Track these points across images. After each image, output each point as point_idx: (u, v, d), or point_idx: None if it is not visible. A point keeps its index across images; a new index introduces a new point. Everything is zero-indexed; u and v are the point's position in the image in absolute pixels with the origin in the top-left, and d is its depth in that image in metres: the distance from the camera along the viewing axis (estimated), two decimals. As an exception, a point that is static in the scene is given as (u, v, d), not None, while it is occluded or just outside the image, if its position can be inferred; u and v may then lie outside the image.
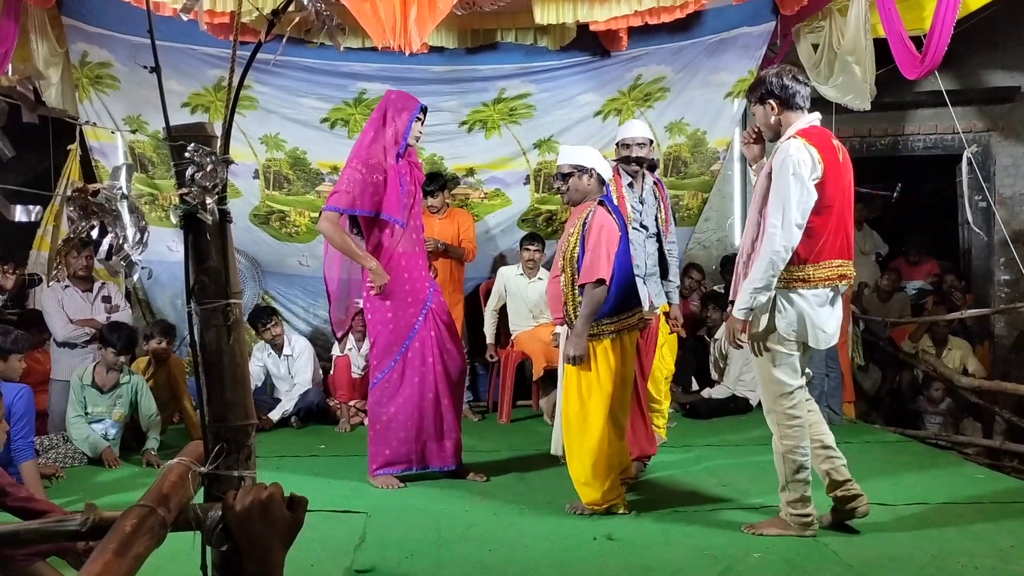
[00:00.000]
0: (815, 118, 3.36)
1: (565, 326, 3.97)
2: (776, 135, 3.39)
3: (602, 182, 3.91)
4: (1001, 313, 6.93)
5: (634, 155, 4.41)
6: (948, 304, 6.86)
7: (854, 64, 5.39)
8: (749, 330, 3.38)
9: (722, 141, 6.60)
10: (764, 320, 3.35)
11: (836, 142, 3.35)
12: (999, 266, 7.33)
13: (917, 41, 4.80)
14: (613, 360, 3.77)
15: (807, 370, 3.56)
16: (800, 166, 3.17)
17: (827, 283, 3.30)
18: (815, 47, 5.97)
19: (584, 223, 3.80)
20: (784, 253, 3.20)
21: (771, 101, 3.34)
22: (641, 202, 4.40)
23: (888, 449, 5.03)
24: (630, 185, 4.42)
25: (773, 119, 3.36)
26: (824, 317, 3.33)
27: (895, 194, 6.73)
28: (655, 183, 4.52)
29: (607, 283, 3.71)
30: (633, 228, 4.40)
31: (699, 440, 4.55)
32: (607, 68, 6.42)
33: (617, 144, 4.49)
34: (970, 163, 5.92)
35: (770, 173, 3.29)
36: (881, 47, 5.23)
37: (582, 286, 3.76)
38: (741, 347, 3.44)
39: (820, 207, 3.23)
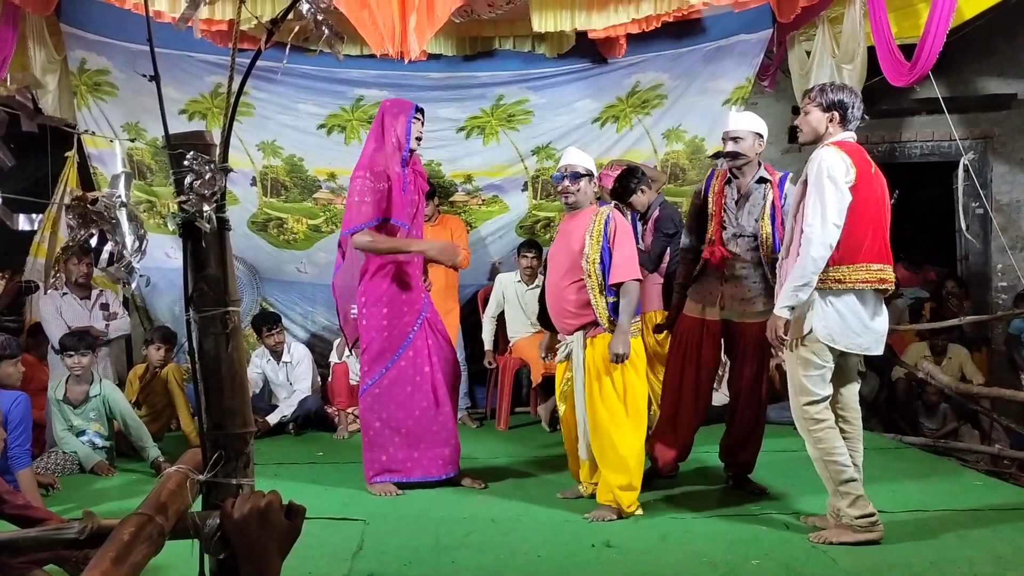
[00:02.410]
0: (851, 136, 3.49)
1: (577, 334, 3.94)
2: (814, 140, 3.53)
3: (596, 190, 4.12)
4: (999, 320, 6.93)
5: (725, 150, 4.16)
6: (946, 311, 6.86)
7: (848, 72, 5.40)
8: (791, 332, 3.43)
9: (720, 148, 6.61)
10: (801, 323, 3.40)
11: (868, 157, 3.49)
12: (996, 272, 7.34)
13: (914, 48, 4.81)
14: (642, 356, 3.93)
15: (856, 377, 3.60)
16: (834, 169, 3.31)
17: (864, 284, 3.36)
18: (808, 54, 6.00)
19: (604, 228, 3.89)
20: (823, 250, 3.29)
21: (836, 112, 3.45)
22: (740, 196, 4.15)
23: (886, 455, 5.03)
24: (728, 182, 4.21)
25: (827, 128, 3.48)
26: (863, 321, 3.39)
27: (892, 201, 6.74)
28: (765, 182, 4.14)
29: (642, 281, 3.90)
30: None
31: (697, 447, 4.54)
32: (605, 75, 6.43)
33: None
34: (967, 170, 5.93)
35: (806, 180, 3.41)
36: (873, 55, 5.24)
37: (614, 287, 3.84)
38: (783, 344, 3.45)
39: (854, 209, 3.34)
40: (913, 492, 4.20)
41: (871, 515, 3.41)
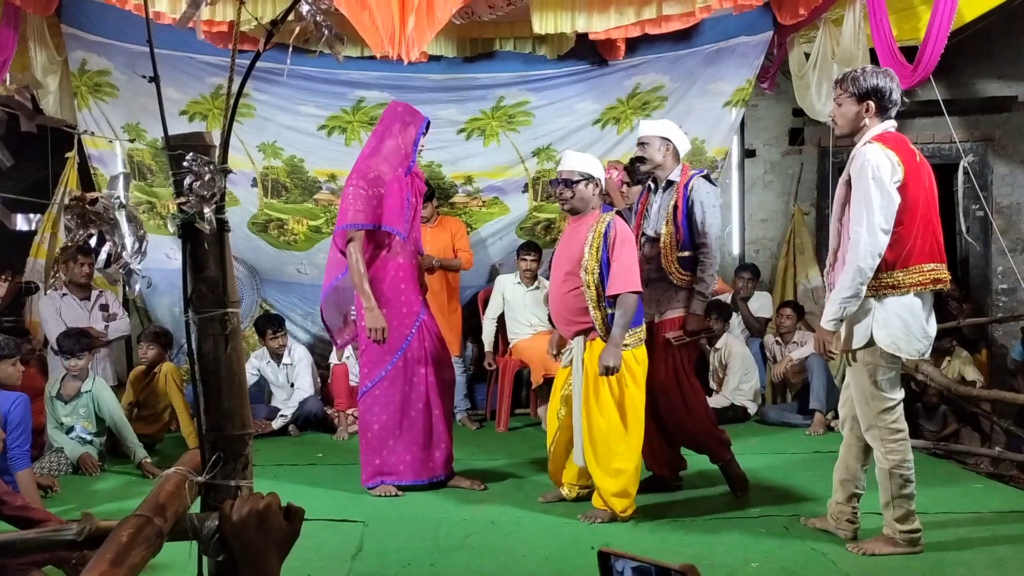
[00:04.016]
0: (892, 125, 3.30)
1: (577, 339, 3.91)
2: (852, 132, 3.34)
3: (602, 193, 3.95)
4: (999, 323, 6.93)
5: (635, 155, 4.27)
6: (945, 313, 6.85)
7: None
8: (848, 344, 3.28)
9: (720, 150, 6.61)
10: (862, 332, 3.25)
11: (913, 145, 3.30)
12: (996, 275, 7.34)
13: (914, 51, 4.81)
14: (644, 367, 3.87)
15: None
16: (879, 169, 3.12)
17: (919, 288, 3.21)
18: (807, 56, 6.00)
19: (605, 235, 3.79)
20: (872, 260, 3.13)
21: (871, 102, 3.25)
22: (654, 200, 4.25)
23: (886, 458, 5.02)
24: (650, 188, 4.31)
25: (864, 120, 3.29)
26: (923, 324, 3.24)
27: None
28: (672, 184, 4.17)
29: (641, 293, 3.79)
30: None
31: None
32: (605, 77, 6.43)
33: None
34: (967, 172, 5.93)
35: (848, 180, 3.24)
36: (875, 58, 5.23)
37: (611, 298, 3.76)
38: (833, 358, 3.34)
39: (904, 210, 3.16)
40: (913, 495, 4.19)
41: (918, 531, 3.32)
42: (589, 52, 6.28)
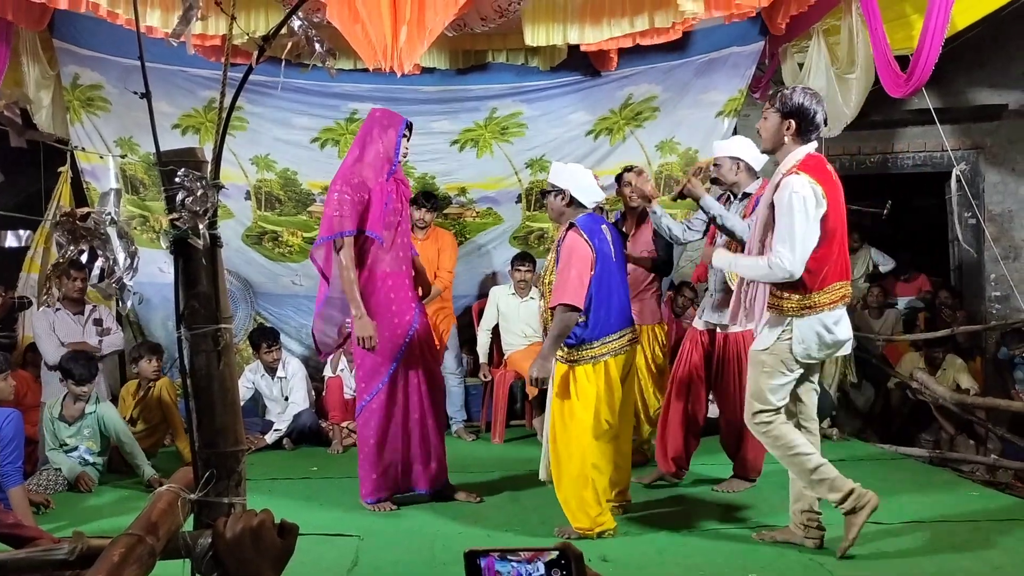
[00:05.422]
0: (812, 147, 3.37)
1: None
2: (772, 148, 3.42)
3: (578, 204, 3.82)
4: (993, 330, 6.94)
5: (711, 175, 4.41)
6: (939, 321, 6.86)
7: (853, 81, 5.41)
8: (768, 345, 3.41)
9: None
10: (770, 338, 3.38)
11: (829, 166, 3.40)
12: (990, 282, 7.36)
13: (906, 60, 4.83)
14: (596, 385, 3.72)
15: (816, 386, 3.61)
16: (806, 203, 3.21)
17: (831, 306, 3.34)
18: (801, 66, 6.02)
19: (558, 247, 3.81)
20: (782, 276, 3.26)
21: (793, 120, 3.31)
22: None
23: (882, 466, 5.02)
24: (729, 199, 4.38)
25: (784, 137, 3.35)
26: (835, 333, 3.37)
27: (885, 211, 6.76)
28: (747, 196, 4.25)
29: (580, 308, 3.65)
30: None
31: (693, 459, 4.55)
32: (598, 88, 6.45)
33: None
34: (959, 180, 5.95)
35: (771, 204, 3.34)
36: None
37: (552, 309, 3.73)
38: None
39: (824, 238, 3.28)
40: (909, 503, 4.18)
41: (851, 491, 3.30)
42: (581, 63, 6.30)
